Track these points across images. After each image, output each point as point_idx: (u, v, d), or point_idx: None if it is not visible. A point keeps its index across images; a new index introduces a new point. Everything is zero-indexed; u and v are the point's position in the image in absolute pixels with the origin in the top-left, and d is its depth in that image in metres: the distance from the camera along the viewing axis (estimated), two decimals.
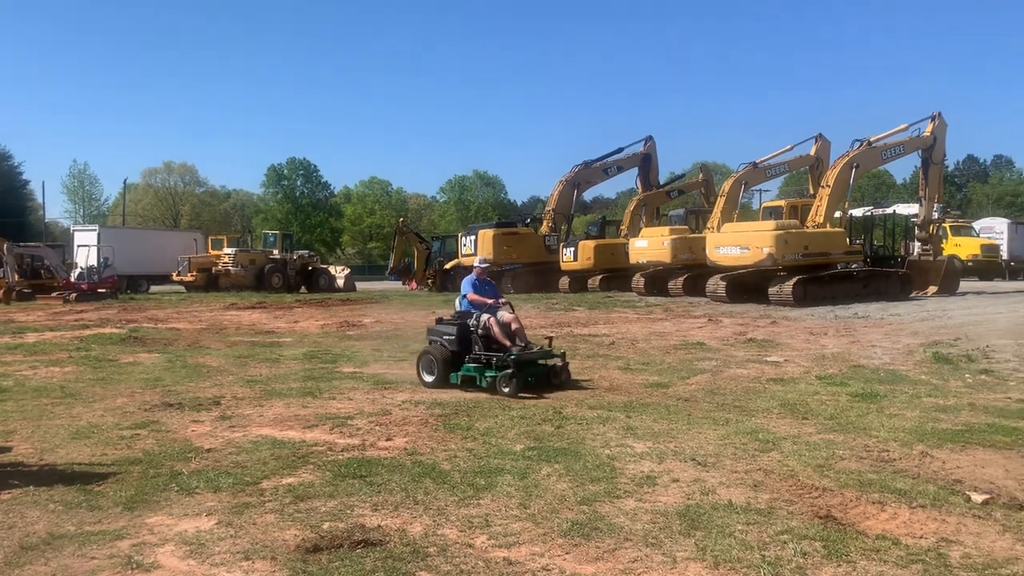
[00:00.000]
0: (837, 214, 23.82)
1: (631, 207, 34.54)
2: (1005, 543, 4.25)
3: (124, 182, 79.87)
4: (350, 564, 4.01)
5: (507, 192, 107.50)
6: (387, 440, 6.72)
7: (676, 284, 26.75)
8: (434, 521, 4.64)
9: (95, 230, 41.31)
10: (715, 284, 23.48)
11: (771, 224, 22.88)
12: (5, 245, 31.02)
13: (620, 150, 35.07)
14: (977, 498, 4.95)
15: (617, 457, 6.03)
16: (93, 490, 5.33)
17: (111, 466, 5.95)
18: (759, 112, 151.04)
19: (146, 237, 46.81)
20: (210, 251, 40.19)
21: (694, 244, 26.49)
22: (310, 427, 7.31)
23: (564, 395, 8.74)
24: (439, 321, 10.11)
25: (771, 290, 21.63)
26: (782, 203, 28.99)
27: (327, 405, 8.39)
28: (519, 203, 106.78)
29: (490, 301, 9.82)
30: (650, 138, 35.32)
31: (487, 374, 8.97)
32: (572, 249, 31.96)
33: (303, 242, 72.55)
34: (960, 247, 36.72)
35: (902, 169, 79.78)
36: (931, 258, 25.93)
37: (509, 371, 8.71)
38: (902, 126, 25.02)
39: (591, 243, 31.79)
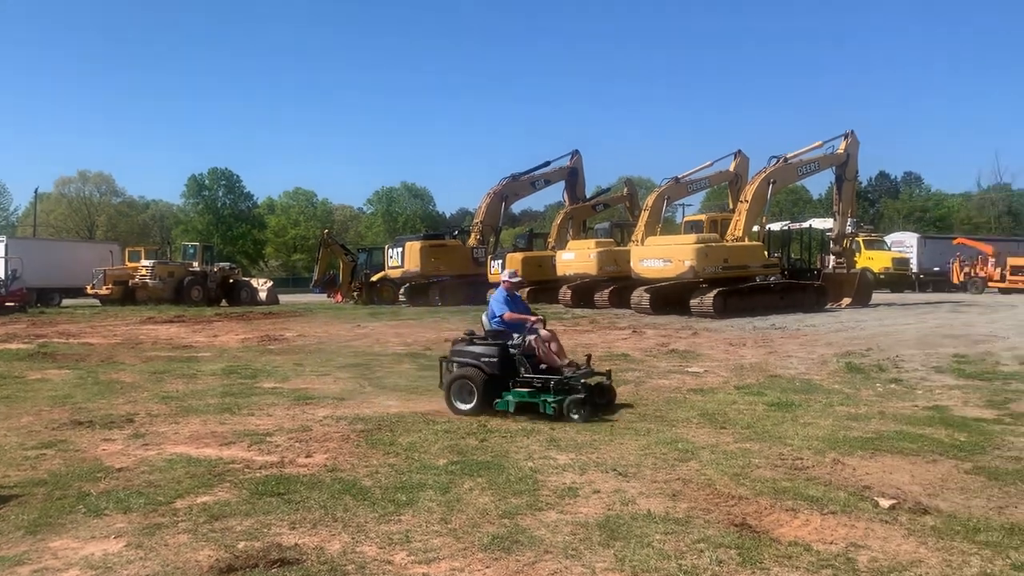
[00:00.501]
0: (755, 228, 24.51)
1: (558, 220, 34.92)
2: (910, 546, 4.42)
3: (35, 191, 76.57)
4: None
5: (435, 204, 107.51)
6: (307, 456, 6.59)
7: (602, 296, 27.12)
8: (353, 538, 4.57)
9: (2, 241, 39.40)
10: (639, 296, 23.85)
11: (692, 238, 23.42)
12: None
13: (547, 163, 35.46)
14: (884, 503, 5.15)
15: (540, 469, 6.05)
16: None
17: (13, 488, 5.67)
18: (684, 127, 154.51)
19: (59, 248, 45.15)
20: (127, 263, 38.88)
21: (619, 257, 26.93)
22: (227, 444, 7.11)
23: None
24: (467, 341, 8.84)
25: (692, 302, 22.04)
26: (703, 217, 29.76)
27: (246, 421, 8.18)
28: (448, 215, 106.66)
29: (532, 319, 9.04)
30: (576, 152, 35.86)
31: (546, 398, 8.00)
32: (500, 261, 32.02)
33: (225, 254, 70.89)
34: (873, 260, 38.23)
35: (818, 185, 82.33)
36: (845, 271, 26.92)
37: (580, 396, 7.92)
38: (817, 143, 25.87)
39: (519, 255, 32.00)
